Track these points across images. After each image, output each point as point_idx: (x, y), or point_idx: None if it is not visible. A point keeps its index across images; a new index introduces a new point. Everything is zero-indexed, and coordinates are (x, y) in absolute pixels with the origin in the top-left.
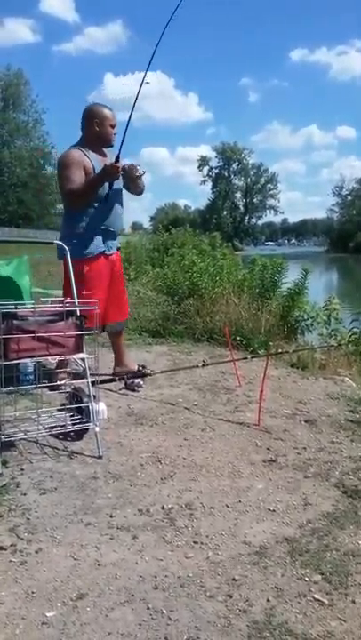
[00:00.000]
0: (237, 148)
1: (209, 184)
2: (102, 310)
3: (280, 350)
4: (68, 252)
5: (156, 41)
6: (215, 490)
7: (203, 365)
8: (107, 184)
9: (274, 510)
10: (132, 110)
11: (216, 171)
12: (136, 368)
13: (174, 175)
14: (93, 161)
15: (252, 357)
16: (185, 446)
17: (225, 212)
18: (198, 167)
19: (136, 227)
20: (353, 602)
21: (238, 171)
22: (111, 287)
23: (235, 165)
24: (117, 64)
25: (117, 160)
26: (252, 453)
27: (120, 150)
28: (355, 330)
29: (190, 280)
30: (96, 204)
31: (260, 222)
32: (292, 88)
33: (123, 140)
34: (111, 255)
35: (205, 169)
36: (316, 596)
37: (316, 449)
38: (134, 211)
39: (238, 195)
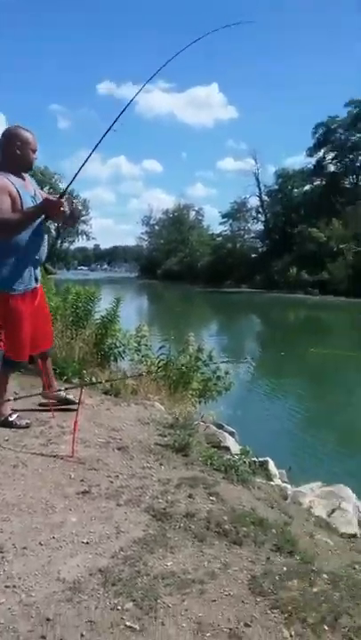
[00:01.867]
0: (48, 172)
1: None
2: (32, 342)
3: (94, 378)
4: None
5: None
6: (28, 528)
7: (15, 399)
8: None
9: (87, 542)
10: (90, 155)
11: None
12: None
13: None
14: (17, 185)
15: (67, 389)
16: None
17: None
18: None
19: None
20: (162, 624)
21: (50, 194)
22: (38, 316)
23: (46, 189)
24: None
25: (62, 196)
26: (65, 486)
27: (67, 188)
28: (162, 356)
29: None
30: (29, 236)
31: (72, 247)
32: (100, 118)
33: (72, 180)
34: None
35: None
36: (127, 623)
37: (128, 475)
38: None
39: None
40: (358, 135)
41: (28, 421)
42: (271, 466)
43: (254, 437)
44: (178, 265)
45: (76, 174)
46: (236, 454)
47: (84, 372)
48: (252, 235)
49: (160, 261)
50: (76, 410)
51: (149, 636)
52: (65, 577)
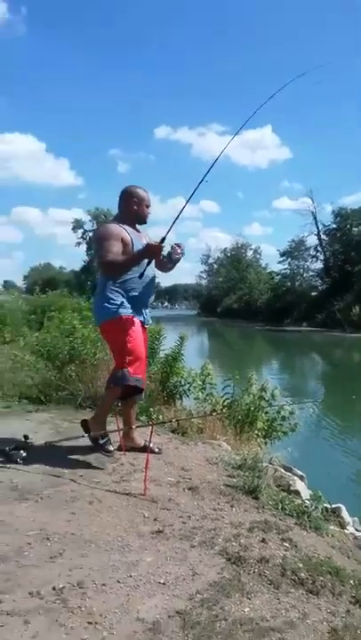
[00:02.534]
0: (110, 213)
1: (83, 246)
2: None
3: (160, 416)
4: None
5: None
6: (106, 565)
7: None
8: (146, 260)
9: (164, 583)
10: (184, 207)
11: (90, 234)
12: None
13: (47, 236)
14: (131, 235)
15: (137, 427)
16: (73, 521)
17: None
18: (72, 229)
19: (8, 285)
20: None
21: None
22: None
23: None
24: None
25: (162, 241)
26: (140, 525)
27: (167, 234)
28: (227, 395)
29: (71, 345)
30: (137, 277)
31: None
32: (158, 161)
33: (171, 227)
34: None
35: (80, 231)
36: None
37: (200, 517)
38: (5, 269)
39: None
40: None
41: (112, 448)
42: (344, 512)
43: (324, 482)
44: (237, 303)
45: (173, 223)
46: (308, 499)
47: (151, 409)
48: (311, 273)
49: (219, 299)
50: (148, 448)
51: None
52: (144, 617)
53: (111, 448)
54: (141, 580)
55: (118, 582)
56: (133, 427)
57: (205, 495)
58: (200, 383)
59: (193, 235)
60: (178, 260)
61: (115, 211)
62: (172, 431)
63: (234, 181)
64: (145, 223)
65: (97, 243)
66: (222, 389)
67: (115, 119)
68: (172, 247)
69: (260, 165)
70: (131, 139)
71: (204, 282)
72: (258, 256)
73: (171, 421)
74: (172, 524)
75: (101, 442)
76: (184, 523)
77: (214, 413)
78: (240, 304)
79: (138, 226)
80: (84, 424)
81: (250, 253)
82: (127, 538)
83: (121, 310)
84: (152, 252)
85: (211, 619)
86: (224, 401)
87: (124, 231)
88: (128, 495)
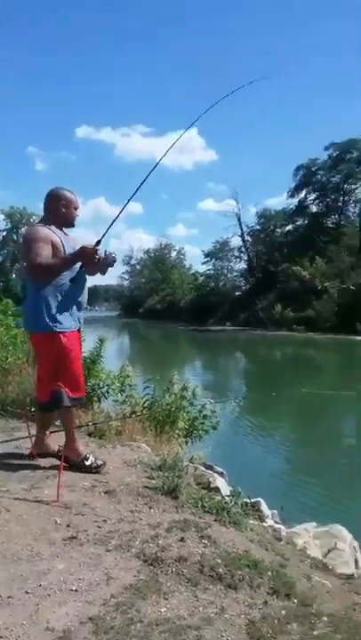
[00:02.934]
0: (26, 212)
1: None
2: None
3: (77, 420)
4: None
5: None
6: (14, 577)
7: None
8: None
9: (76, 590)
10: (119, 214)
11: (4, 233)
12: None
13: None
14: (61, 237)
15: (52, 432)
16: None
17: (14, 275)
18: None
19: None
20: None
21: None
22: (79, 359)
23: (24, 229)
24: None
25: (98, 244)
26: (51, 532)
27: (102, 237)
28: (147, 396)
29: None
30: (69, 281)
31: None
32: (79, 161)
33: (107, 230)
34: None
35: None
36: None
37: (116, 520)
38: None
39: None
40: (339, 177)
41: (101, 462)
42: (263, 507)
43: (244, 478)
44: (160, 303)
45: (109, 227)
46: (228, 496)
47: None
48: (235, 273)
49: (142, 300)
50: (61, 453)
51: None
52: (54, 626)
53: (100, 462)
54: (52, 589)
55: (27, 593)
56: (48, 432)
57: (123, 498)
58: (119, 385)
59: (116, 236)
60: (113, 262)
61: (31, 209)
62: (89, 434)
63: (158, 183)
64: (73, 226)
65: (25, 246)
66: (143, 390)
67: (33, 117)
68: (105, 252)
69: (186, 167)
70: (50, 137)
71: (126, 283)
72: (182, 257)
73: (87, 425)
74: (87, 529)
75: (88, 463)
76: (99, 527)
77: (134, 415)
78: (163, 305)
79: (65, 229)
80: (66, 459)
81: (174, 254)
82: (37, 546)
83: (57, 325)
84: (86, 254)
85: (125, 622)
86: (144, 402)
87: (53, 234)
88: (39, 502)
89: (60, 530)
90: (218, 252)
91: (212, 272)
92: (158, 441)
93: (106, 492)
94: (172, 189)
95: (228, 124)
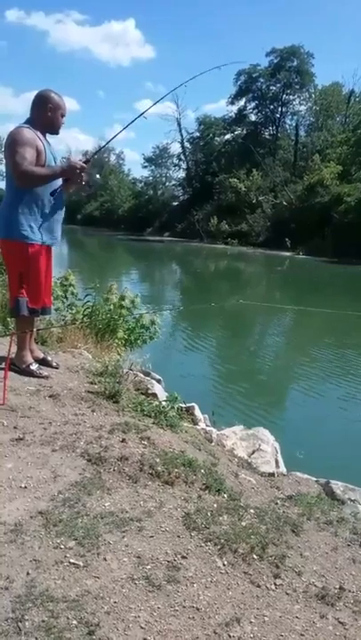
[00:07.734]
0: None
1: None
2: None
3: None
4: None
5: None
6: None
7: None
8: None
9: (25, 487)
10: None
11: None
12: None
13: None
14: (44, 143)
15: None
16: None
17: None
18: None
19: None
20: (105, 559)
21: None
22: (48, 273)
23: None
24: None
25: (87, 162)
26: None
27: (94, 155)
28: (88, 304)
29: None
30: (49, 194)
31: None
32: (10, 48)
33: (100, 149)
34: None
35: None
36: (71, 560)
37: (61, 422)
38: None
39: None
40: (278, 85)
41: (46, 373)
42: (197, 411)
43: (180, 384)
44: (98, 210)
45: (104, 146)
46: (164, 401)
47: (9, 319)
48: (174, 182)
49: (80, 206)
50: (6, 358)
51: (93, 571)
52: (6, 520)
53: (45, 373)
54: (2, 487)
55: None
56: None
57: (67, 402)
58: (61, 293)
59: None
60: (94, 186)
61: None
62: None
63: (94, 78)
64: (57, 134)
65: (10, 148)
66: (84, 298)
67: None
68: (94, 174)
69: (123, 63)
70: None
71: None
72: (121, 161)
73: (30, 332)
74: (33, 431)
75: (33, 368)
76: (45, 429)
77: (75, 323)
78: (102, 212)
79: (48, 136)
80: (13, 365)
81: (113, 158)
82: None
83: (29, 235)
84: (75, 170)
85: (73, 515)
86: (84, 310)
87: (37, 138)
88: None
89: (7, 432)
90: (157, 159)
91: (150, 179)
92: (99, 348)
93: (50, 397)
94: (108, 86)
95: (169, 19)
